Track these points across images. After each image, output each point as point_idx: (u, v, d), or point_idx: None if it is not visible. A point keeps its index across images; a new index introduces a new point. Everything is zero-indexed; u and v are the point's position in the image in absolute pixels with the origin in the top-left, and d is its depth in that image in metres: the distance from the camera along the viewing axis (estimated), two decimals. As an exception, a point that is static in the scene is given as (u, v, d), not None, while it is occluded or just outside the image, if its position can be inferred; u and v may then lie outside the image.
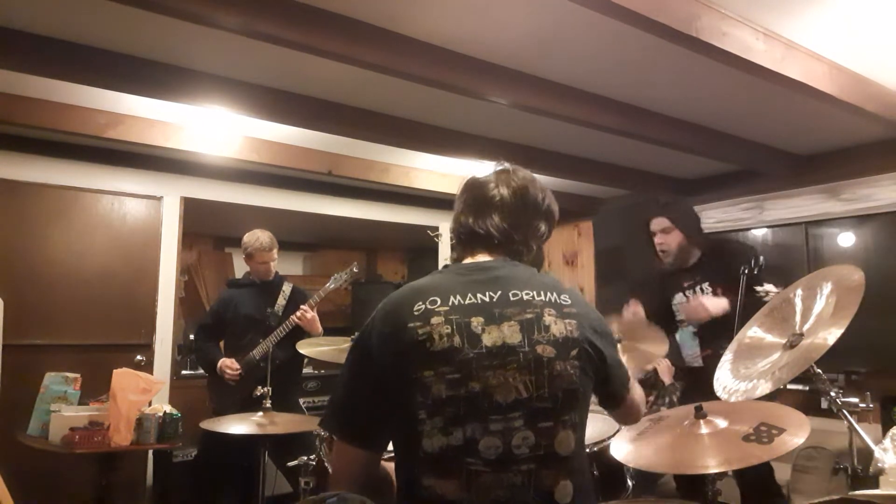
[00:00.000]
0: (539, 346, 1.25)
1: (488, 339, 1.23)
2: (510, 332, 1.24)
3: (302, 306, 3.49)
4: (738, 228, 4.67)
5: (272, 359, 3.41)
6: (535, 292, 1.31)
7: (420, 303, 1.27)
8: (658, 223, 3.02)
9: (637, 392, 1.51)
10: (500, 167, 1.46)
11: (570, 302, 1.33)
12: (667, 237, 2.99)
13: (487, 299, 1.28)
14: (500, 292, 1.29)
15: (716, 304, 2.81)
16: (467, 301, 1.27)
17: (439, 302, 1.26)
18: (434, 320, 1.24)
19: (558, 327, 1.28)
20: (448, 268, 1.40)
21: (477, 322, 1.24)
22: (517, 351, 1.23)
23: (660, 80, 2.88)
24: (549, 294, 1.32)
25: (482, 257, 1.39)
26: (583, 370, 1.29)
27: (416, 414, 1.21)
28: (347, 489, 1.27)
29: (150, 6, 2.04)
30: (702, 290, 3.01)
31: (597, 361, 1.33)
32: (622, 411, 1.50)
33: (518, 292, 1.30)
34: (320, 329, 3.52)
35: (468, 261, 1.40)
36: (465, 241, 1.41)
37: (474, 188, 1.43)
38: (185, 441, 3.43)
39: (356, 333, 1.41)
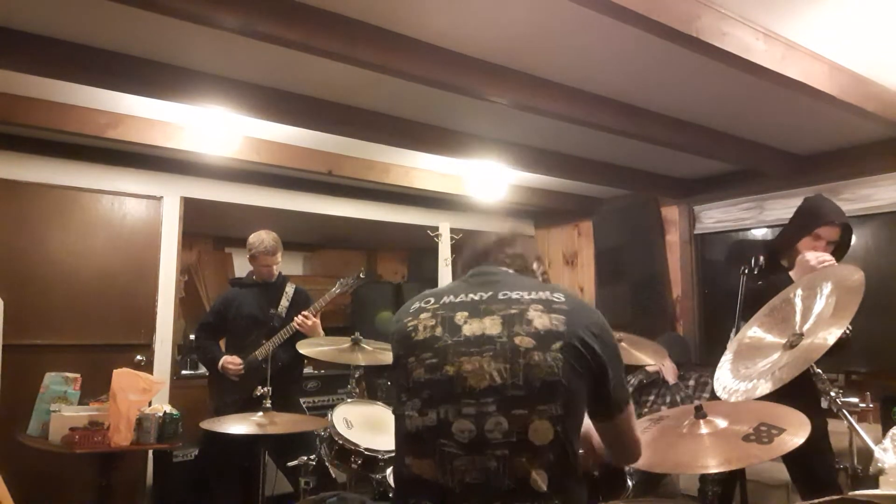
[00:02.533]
0: (517, 337, 1.29)
1: (468, 330, 1.32)
2: (491, 324, 1.32)
3: (303, 312, 3.48)
4: (738, 228, 4.67)
5: (275, 360, 3.41)
6: (525, 292, 1.37)
7: (418, 303, 1.42)
8: (831, 232, 2.67)
9: (634, 424, 1.47)
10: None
11: (562, 300, 1.36)
12: (829, 250, 2.65)
13: (477, 298, 1.37)
14: (490, 293, 1.38)
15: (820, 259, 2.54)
16: (458, 299, 1.38)
17: (433, 301, 1.40)
18: (422, 315, 1.40)
19: (542, 321, 1.31)
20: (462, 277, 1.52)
21: (461, 316, 1.34)
22: (494, 340, 1.30)
23: (660, 80, 2.88)
24: (540, 293, 1.37)
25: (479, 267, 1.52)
26: (568, 364, 1.29)
27: (400, 396, 1.35)
28: None
29: (150, 6, 2.04)
30: None
31: (589, 360, 1.32)
32: (611, 431, 1.45)
33: (508, 292, 1.37)
34: (321, 333, 3.52)
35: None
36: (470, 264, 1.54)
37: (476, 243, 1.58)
38: (185, 441, 3.43)
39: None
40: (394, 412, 1.40)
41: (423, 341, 1.33)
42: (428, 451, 1.27)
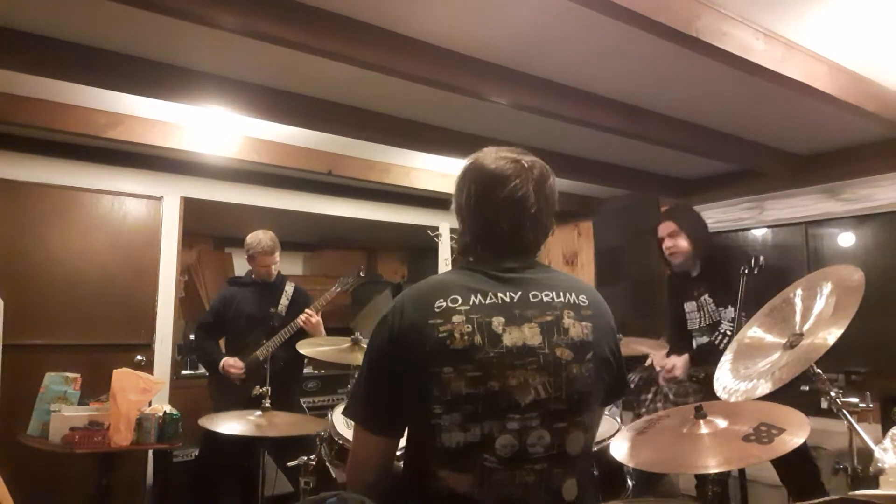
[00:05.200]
0: (558, 349, 1.26)
1: (509, 340, 1.24)
2: (531, 334, 1.26)
3: (307, 310, 3.48)
4: (738, 228, 4.67)
5: (275, 360, 3.41)
6: (554, 293, 1.32)
7: (441, 300, 1.27)
8: (665, 228, 3.11)
9: None
10: (517, 158, 1.41)
11: (587, 303, 1.35)
12: (675, 241, 3.06)
13: (508, 299, 1.28)
14: (520, 293, 1.30)
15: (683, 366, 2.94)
16: (488, 301, 1.27)
17: (460, 300, 1.26)
18: (455, 318, 1.24)
19: (576, 330, 1.29)
20: (468, 265, 1.38)
21: (497, 322, 1.25)
22: (537, 352, 1.25)
23: (660, 80, 2.88)
24: (568, 295, 1.33)
25: (502, 260, 1.36)
26: (597, 373, 1.31)
27: (432, 408, 1.22)
28: (365, 478, 1.32)
29: (150, 6, 2.04)
30: (704, 301, 3.02)
31: (612, 364, 1.36)
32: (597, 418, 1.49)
33: (538, 293, 1.31)
34: (323, 332, 3.52)
35: (487, 258, 1.37)
36: (493, 245, 1.37)
37: (495, 184, 1.35)
38: (185, 441, 3.43)
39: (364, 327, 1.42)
40: (418, 423, 1.27)
41: (462, 351, 1.22)
42: (467, 465, 1.22)
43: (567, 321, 1.29)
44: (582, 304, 1.34)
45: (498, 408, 1.22)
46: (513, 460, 1.21)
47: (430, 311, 1.25)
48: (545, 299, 1.30)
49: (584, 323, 1.31)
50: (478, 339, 1.23)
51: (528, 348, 1.24)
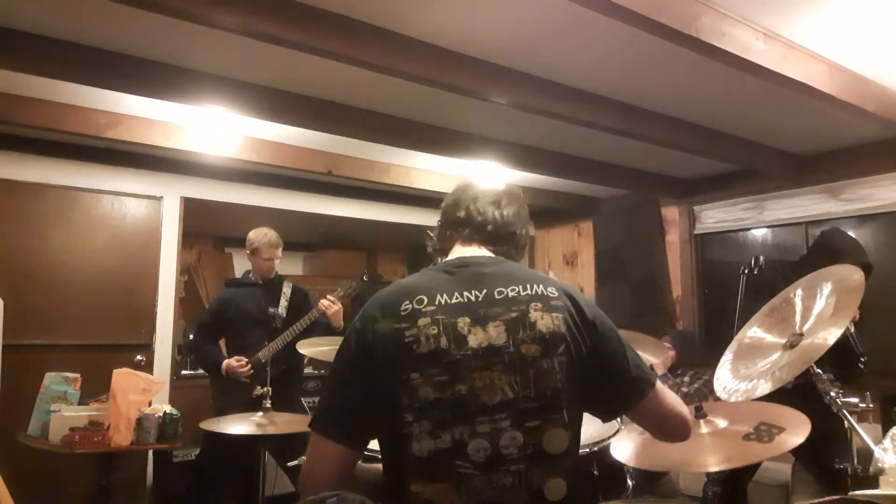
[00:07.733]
0: (524, 346, 1.22)
1: (473, 341, 1.22)
2: (495, 333, 1.23)
3: (328, 297, 3.48)
4: (738, 228, 4.67)
5: (279, 362, 3.40)
6: (520, 287, 1.28)
7: (407, 302, 1.25)
8: None
9: (670, 399, 1.37)
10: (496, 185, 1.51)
11: (556, 294, 1.29)
12: None
13: (473, 298, 1.26)
14: (485, 290, 1.27)
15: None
16: (454, 300, 1.26)
17: (426, 301, 1.25)
18: (421, 321, 1.23)
19: (545, 322, 1.25)
20: (435, 266, 1.38)
21: (463, 322, 1.23)
22: (502, 352, 1.22)
23: (659, 80, 2.88)
24: (535, 287, 1.29)
25: (472, 249, 1.40)
26: (571, 367, 1.25)
27: (403, 417, 1.20)
28: (323, 487, 1.22)
29: (150, 6, 2.04)
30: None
31: (588, 358, 1.28)
32: (644, 415, 1.37)
33: (503, 289, 1.28)
34: (342, 323, 3.50)
35: (455, 255, 1.40)
36: (462, 226, 1.43)
37: (469, 188, 1.48)
38: (185, 441, 3.43)
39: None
40: (390, 433, 1.24)
41: (428, 355, 1.20)
42: (442, 474, 1.18)
43: (534, 314, 1.25)
44: (551, 295, 1.28)
45: (467, 412, 1.19)
46: (488, 464, 1.18)
47: (397, 315, 1.24)
48: (510, 294, 1.27)
49: (553, 314, 1.26)
50: (443, 341, 1.21)
51: (493, 348, 1.21)
